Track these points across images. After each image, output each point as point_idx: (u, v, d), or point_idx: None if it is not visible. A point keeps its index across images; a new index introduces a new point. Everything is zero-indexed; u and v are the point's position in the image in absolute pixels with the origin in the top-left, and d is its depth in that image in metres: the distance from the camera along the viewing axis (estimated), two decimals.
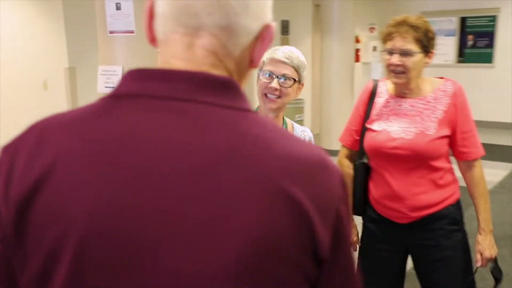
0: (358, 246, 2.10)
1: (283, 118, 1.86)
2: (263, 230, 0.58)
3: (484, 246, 1.93)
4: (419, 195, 1.88)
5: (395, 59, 1.83)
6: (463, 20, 9.26)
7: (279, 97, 1.72)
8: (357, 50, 8.84)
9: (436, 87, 1.92)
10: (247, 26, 0.68)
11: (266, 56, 1.76)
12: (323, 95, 7.24)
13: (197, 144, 0.61)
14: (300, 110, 7.75)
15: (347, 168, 2.07)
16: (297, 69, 1.72)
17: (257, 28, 0.70)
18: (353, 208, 2.02)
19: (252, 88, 4.90)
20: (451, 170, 1.95)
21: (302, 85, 1.78)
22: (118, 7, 4.02)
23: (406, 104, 1.92)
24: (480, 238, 1.95)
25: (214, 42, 0.67)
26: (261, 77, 1.74)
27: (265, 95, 1.73)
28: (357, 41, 8.80)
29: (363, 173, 2.00)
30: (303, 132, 1.88)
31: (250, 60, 0.73)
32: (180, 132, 0.62)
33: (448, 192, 1.92)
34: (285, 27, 7.67)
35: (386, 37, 1.88)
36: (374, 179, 1.98)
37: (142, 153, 0.61)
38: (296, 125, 1.90)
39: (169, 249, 0.58)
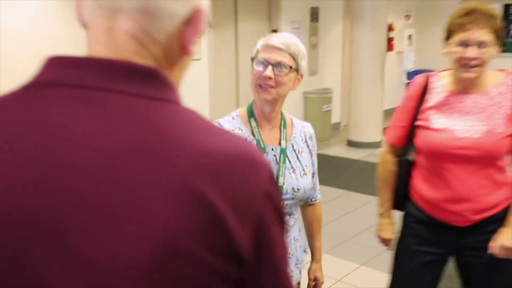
0: (392, 244, 2.04)
1: (281, 113, 1.69)
2: (168, 230, 0.55)
3: None
4: (483, 197, 1.79)
5: (472, 52, 1.68)
6: (506, 7, 8.74)
7: (273, 87, 1.54)
8: (391, 39, 8.49)
9: (499, 81, 1.79)
10: (170, 9, 0.64)
11: (260, 43, 1.59)
12: (352, 85, 6.96)
13: (103, 136, 0.58)
14: (328, 100, 7.51)
15: (391, 164, 1.99)
16: (294, 57, 1.55)
17: (185, 12, 0.65)
18: (394, 204, 2.00)
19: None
20: (506, 169, 1.86)
21: (301, 76, 1.61)
22: None
23: (469, 100, 1.79)
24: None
25: (134, 26, 0.63)
26: (254, 65, 1.57)
27: (259, 85, 1.56)
28: (391, 29, 8.44)
29: (406, 170, 1.94)
30: (303, 127, 1.73)
31: (180, 47, 0.67)
32: (88, 123, 0.59)
33: (505, 193, 1.83)
34: (314, 14, 7.39)
35: (457, 28, 1.72)
36: (429, 180, 1.86)
37: (45, 145, 0.58)
38: (296, 121, 1.75)
39: (70, 243, 0.56)
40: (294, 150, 1.66)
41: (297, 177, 1.63)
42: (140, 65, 0.62)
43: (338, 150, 6.94)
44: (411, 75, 8.76)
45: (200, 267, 0.57)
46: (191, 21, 0.66)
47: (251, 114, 1.65)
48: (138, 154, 0.57)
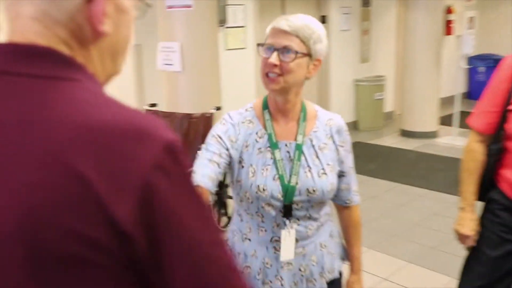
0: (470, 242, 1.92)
1: (302, 104, 1.52)
2: (35, 199, 0.57)
3: None
4: None
5: None
6: None
7: (280, 75, 1.38)
8: (449, 22, 8.01)
9: None
10: None
11: (268, 28, 1.43)
12: (406, 72, 6.63)
13: None
14: (380, 88, 7.21)
15: (480, 154, 1.86)
16: (304, 40, 1.37)
17: None
18: (479, 195, 1.89)
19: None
20: None
21: (318, 61, 1.42)
22: None
23: None
24: None
25: (35, 9, 0.65)
26: (260, 52, 1.42)
27: (266, 75, 1.40)
28: (450, 11, 7.96)
29: (495, 158, 1.83)
30: (329, 120, 1.53)
31: (92, 27, 0.67)
32: None
33: None
34: None
35: None
36: None
37: None
38: (322, 112, 1.55)
39: None
40: (313, 146, 1.47)
41: (313, 176, 1.44)
42: (36, 45, 0.64)
43: (391, 141, 6.65)
44: (472, 60, 8.25)
45: (72, 239, 0.57)
46: (91, 0, 0.66)
47: (265, 106, 1.50)
48: (18, 128, 0.60)
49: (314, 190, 1.43)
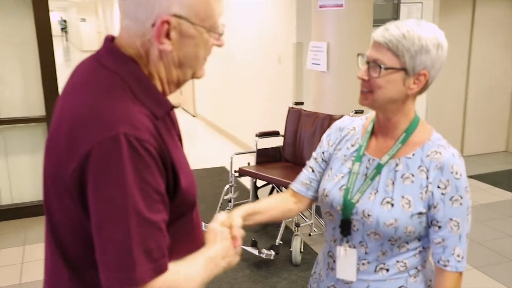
0: None
1: (411, 123, 1.33)
2: (54, 158, 0.97)
3: None
4: None
5: None
6: None
7: (369, 91, 1.26)
8: None
9: None
10: (138, 16, 0.98)
11: None
12: None
13: (70, 83, 1.04)
14: None
15: None
16: (397, 54, 1.21)
17: (149, 18, 0.98)
18: None
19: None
20: None
21: (422, 75, 1.23)
22: None
23: None
24: None
25: (125, 23, 1.00)
26: (359, 64, 1.31)
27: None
28: None
29: None
30: (435, 153, 1.28)
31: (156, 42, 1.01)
32: (76, 77, 1.04)
33: None
34: None
35: None
36: None
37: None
38: (434, 142, 1.31)
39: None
40: (396, 171, 1.29)
41: (375, 201, 1.28)
42: (114, 46, 1.01)
43: None
44: None
45: (61, 179, 0.94)
46: (155, 25, 0.96)
47: (375, 119, 1.38)
48: (69, 97, 1.00)
49: (369, 215, 1.28)
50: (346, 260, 1.35)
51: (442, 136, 1.35)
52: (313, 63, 4.06)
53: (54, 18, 37.18)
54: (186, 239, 1.11)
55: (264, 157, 4.06)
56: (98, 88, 0.95)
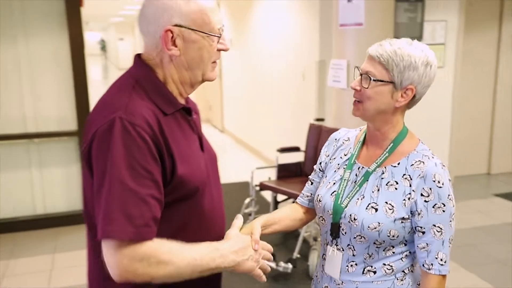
0: None
1: (400, 134, 1.42)
2: (87, 134, 1.19)
3: None
4: None
5: None
6: None
7: (359, 101, 1.37)
8: None
9: None
10: (150, 31, 1.22)
11: None
12: None
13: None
14: None
15: None
16: (388, 68, 1.31)
17: (158, 31, 1.20)
18: None
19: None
20: None
21: (410, 90, 1.33)
22: (349, 0, 3.86)
23: None
24: None
25: (143, 38, 1.25)
26: (354, 75, 1.43)
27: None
28: None
29: None
30: (419, 163, 1.36)
31: (165, 50, 1.23)
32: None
33: None
34: None
35: None
36: None
37: None
38: (419, 153, 1.39)
39: None
40: (382, 179, 1.37)
41: (361, 206, 1.36)
42: (137, 55, 1.26)
43: None
44: None
45: (83, 153, 1.17)
46: (162, 35, 1.18)
47: (367, 129, 1.49)
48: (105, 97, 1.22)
49: (355, 219, 1.36)
50: (333, 260, 1.44)
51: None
52: (333, 81, 4.15)
53: (95, 38, 38.54)
54: (196, 224, 1.24)
55: (285, 171, 4.15)
56: (116, 87, 1.22)
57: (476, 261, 3.70)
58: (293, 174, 4.17)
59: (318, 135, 4.13)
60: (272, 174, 4.43)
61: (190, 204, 1.22)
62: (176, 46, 1.19)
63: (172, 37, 1.17)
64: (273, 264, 3.40)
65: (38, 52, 4.20)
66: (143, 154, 1.09)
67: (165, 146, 1.14)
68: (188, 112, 1.28)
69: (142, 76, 1.21)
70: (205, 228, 1.26)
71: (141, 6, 1.23)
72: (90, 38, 36.12)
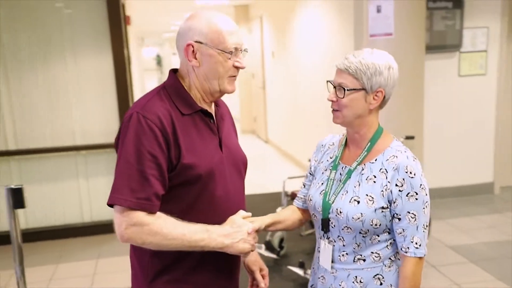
0: None
1: (375, 134, 1.56)
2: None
3: None
4: None
5: None
6: None
7: (338, 110, 1.53)
8: None
9: None
10: (179, 45, 1.48)
11: None
12: None
13: None
14: None
15: None
16: (356, 77, 1.47)
17: (183, 44, 1.46)
18: None
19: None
20: None
21: (380, 92, 1.49)
22: (378, 10, 3.89)
23: None
24: None
25: (177, 55, 1.54)
26: (328, 88, 1.60)
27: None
28: None
29: None
30: (393, 157, 1.50)
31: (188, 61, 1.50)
32: None
33: None
34: None
35: None
36: None
37: None
38: (392, 150, 1.53)
39: None
40: (362, 175, 1.52)
41: (345, 200, 1.51)
42: (172, 70, 1.54)
43: None
44: None
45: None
46: (185, 48, 1.44)
47: (347, 133, 1.65)
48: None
49: (340, 212, 1.51)
50: (325, 253, 1.60)
51: None
52: None
53: (151, 53, 39.93)
54: (205, 206, 1.46)
55: None
56: (146, 94, 1.49)
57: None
58: None
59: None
60: None
61: (198, 188, 1.43)
62: (196, 59, 1.44)
63: (193, 51, 1.43)
64: (300, 272, 3.47)
65: (85, 70, 4.51)
66: (149, 141, 1.34)
67: (173, 138, 1.38)
68: (208, 115, 1.50)
69: (169, 83, 1.49)
70: (215, 212, 1.47)
71: (180, 26, 1.50)
72: (146, 54, 37.48)
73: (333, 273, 1.58)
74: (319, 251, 1.64)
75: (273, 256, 3.86)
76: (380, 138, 1.56)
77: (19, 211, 2.32)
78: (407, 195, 1.46)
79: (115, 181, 1.34)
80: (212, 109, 1.54)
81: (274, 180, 6.34)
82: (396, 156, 1.49)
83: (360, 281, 1.54)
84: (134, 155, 1.33)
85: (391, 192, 1.47)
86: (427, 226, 1.49)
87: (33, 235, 4.52)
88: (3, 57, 4.34)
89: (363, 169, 1.53)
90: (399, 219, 1.47)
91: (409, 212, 1.46)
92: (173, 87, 1.48)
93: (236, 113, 11.57)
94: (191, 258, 1.45)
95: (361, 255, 1.53)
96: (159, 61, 39.53)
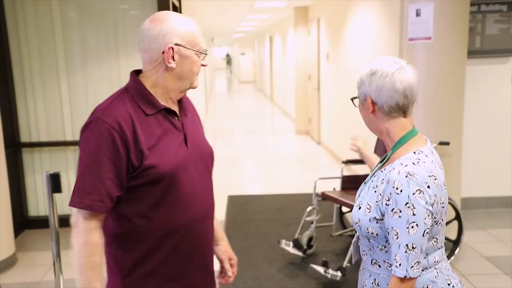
0: None
1: (396, 144, 1.53)
2: None
3: None
4: None
5: None
6: None
7: None
8: None
9: None
10: (152, 47, 1.51)
11: None
12: None
13: None
14: None
15: None
16: (357, 87, 1.59)
17: (161, 48, 1.50)
18: None
19: None
20: None
21: (366, 99, 1.52)
22: (418, 14, 3.86)
23: None
24: None
25: (141, 55, 1.56)
26: None
27: None
28: None
29: None
30: (391, 171, 1.45)
31: (165, 64, 1.52)
32: None
33: None
34: None
35: None
36: None
37: None
38: (397, 163, 1.47)
39: None
40: (372, 182, 1.56)
41: (356, 206, 1.58)
42: (133, 72, 1.57)
43: None
44: None
45: None
46: (164, 51, 1.48)
47: None
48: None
49: (352, 216, 1.60)
50: (355, 249, 1.68)
51: None
52: None
53: (222, 53, 40.93)
54: (170, 204, 1.51)
55: (351, 183, 4.22)
56: (109, 96, 1.53)
57: None
58: (358, 186, 4.22)
59: (385, 148, 4.14)
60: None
61: (162, 187, 1.49)
62: (174, 61, 1.49)
63: (172, 53, 1.48)
64: (321, 270, 3.52)
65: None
66: (107, 145, 1.41)
67: (133, 140, 1.43)
68: (171, 113, 1.55)
69: (131, 85, 1.54)
70: (181, 208, 1.53)
71: (145, 28, 1.51)
72: (217, 54, 38.40)
73: (363, 269, 1.64)
74: None
75: (300, 254, 3.95)
76: (402, 146, 1.51)
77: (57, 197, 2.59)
78: (392, 210, 1.41)
79: (75, 183, 1.44)
80: (176, 107, 1.59)
81: (322, 182, 6.37)
82: (394, 169, 1.44)
83: (378, 285, 1.55)
84: (93, 159, 1.41)
85: (381, 204, 1.45)
86: (413, 247, 1.39)
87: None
88: (61, 53, 4.75)
89: (375, 177, 1.56)
90: (388, 232, 1.45)
91: (392, 228, 1.42)
92: (135, 88, 1.52)
93: (292, 114, 11.65)
94: (162, 250, 1.52)
95: (375, 259, 1.55)
96: (228, 60, 40.50)
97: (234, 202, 5.72)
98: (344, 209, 4.46)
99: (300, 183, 6.61)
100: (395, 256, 1.41)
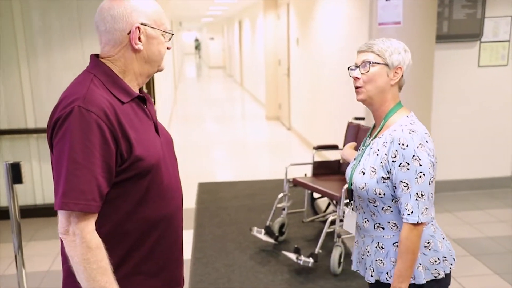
0: None
1: (389, 113, 1.69)
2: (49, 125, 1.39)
3: None
4: None
5: None
6: None
7: (362, 86, 1.67)
8: None
9: None
10: (117, 27, 1.39)
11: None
12: None
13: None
14: None
15: None
16: (379, 53, 1.64)
17: (126, 28, 1.39)
18: None
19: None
20: None
21: (399, 69, 1.66)
22: None
23: None
24: None
25: (102, 38, 1.44)
26: (350, 74, 1.72)
27: (355, 88, 1.70)
28: None
29: None
30: (394, 131, 1.62)
31: (131, 46, 1.41)
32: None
33: None
34: None
35: None
36: None
37: None
38: (397, 124, 1.64)
39: None
40: (371, 149, 1.69)
41: (356, 171, 1.71)
42: (94, 55, 1.44)
43: None
44: None
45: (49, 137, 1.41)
46: (130, 32, 1.36)
47: (372, 113, 1.80)
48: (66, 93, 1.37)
49: (353, 183, 1.71)
50: (349, 218, 1.83)
51: None
52: None
53: (191, 38, 40.37)
54: (155, 197, 1.41)
55: (322, 169, 4.21)
56: (76, 82, 1.37)
57: None
58: (330, 172, 4.23)
59: (356, 133, 4.15)
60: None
61: (148, 180, 1.38)
62: (140, 42, 1.38)
63: (139, 33, 1.37)
64: (293, 257, 3.52)
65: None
66: (97, 138, 1.26)
67: (120, 131, 1.30)
68: (143, 101, 1.45)
69: (100, 71, 1.38)
70: (163, 200, 1.44)
71: (106, 7, 1.37)
72: (185, 38, 37.86)
73: (362, 237, 1.77)
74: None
75: (272, 241, 3.93)
76: (394, 114, 1.67)
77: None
78: (399, 165, 1.57)
79: (64, 185, 1.24)
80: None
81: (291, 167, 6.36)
82: (395, 130, 1.61)
83: (382, 247, 1.69)
84: (82, 154, 1.25)
85: (387, 163, 1.60)
86: (422, 195, 1.56)
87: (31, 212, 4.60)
88: (21, 39, 4.55)
89: (373, 144, 1.70)
90: (395, 187, 1.60)
91: (401, 181, 1.57)
92: (105, 74, 1.38)
93: (262, 99, 11.60)
94: (144, 247, 1.42)
95: (379, 223, 1.69)
96: (197, 45, 40.02)
97: (205, 189, 5.65)
98: (316, 195, 4.45)
99: (271, 169, 6.59)
100: (406, 206, 1.58)
